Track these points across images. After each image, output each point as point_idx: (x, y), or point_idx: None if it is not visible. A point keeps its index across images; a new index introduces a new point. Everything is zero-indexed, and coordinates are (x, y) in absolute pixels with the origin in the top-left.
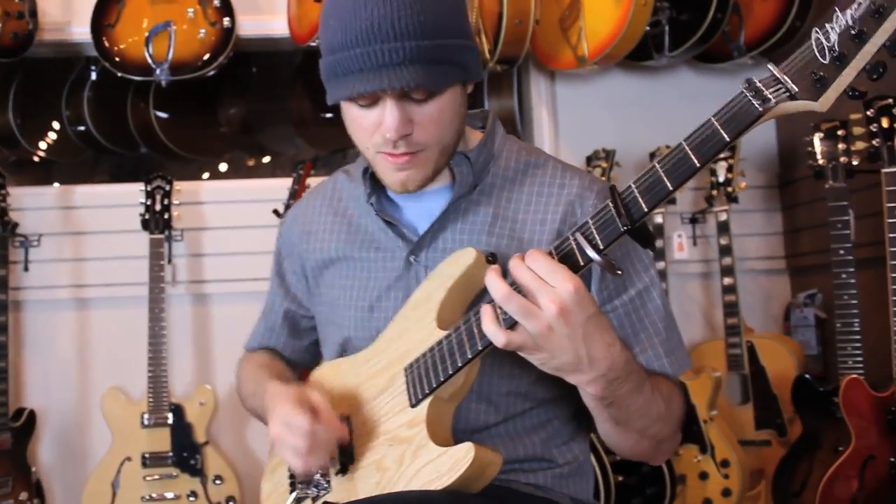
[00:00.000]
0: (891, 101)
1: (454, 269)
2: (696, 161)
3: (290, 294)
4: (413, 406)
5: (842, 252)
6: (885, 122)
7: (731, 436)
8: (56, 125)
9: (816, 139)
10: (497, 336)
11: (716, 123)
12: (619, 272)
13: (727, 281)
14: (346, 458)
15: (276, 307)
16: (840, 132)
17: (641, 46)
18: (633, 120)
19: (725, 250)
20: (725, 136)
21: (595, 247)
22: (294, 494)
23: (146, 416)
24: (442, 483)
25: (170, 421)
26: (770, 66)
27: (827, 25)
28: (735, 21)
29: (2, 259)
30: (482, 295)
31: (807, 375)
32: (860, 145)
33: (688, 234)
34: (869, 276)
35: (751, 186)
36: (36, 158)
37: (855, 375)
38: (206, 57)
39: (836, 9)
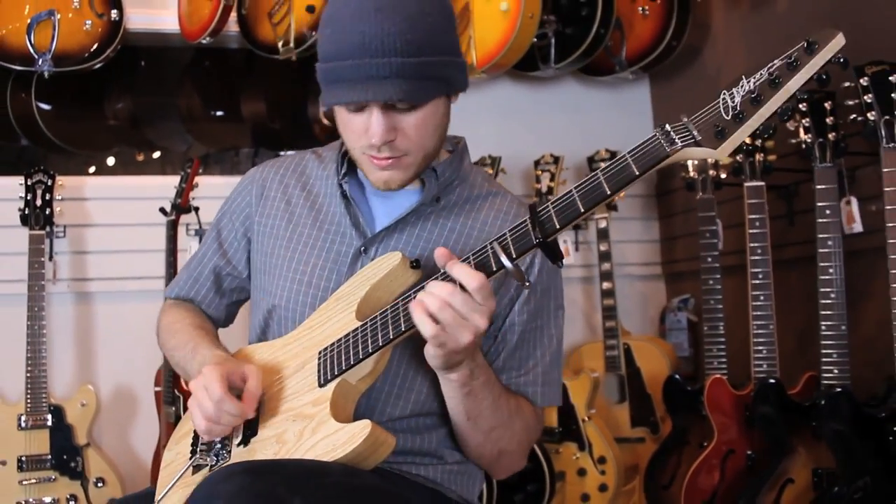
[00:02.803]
0: None
1: (378, 270)
2: (607, 189)
3: (223, 250)
4: (321, 386)
5: (709, 259)
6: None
7: (608, 433)
8: None
9: None
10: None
11: (629, 159)
12: (528, 284)
13: (606, 285)
14: (250, 431)
15: (206, 260)
16: None
17: (529, 57)
18: (520, 128)
19: (605, 256)
20: (636, 170)
21: (509, 255)
22: (192, 460)
23: (23, 418)
24: (335, 455)
25: (49, 423)
26: (683, 117)
27: (734, 89)
28: (617, 37)
29: None
30: (401, 297)
31: (676, 375)
32: (726, 160)
33: (571, 240)
34: (734, 283)
35: (630, 195)
36: None
37: (718, 375)
38: (93, 49)
39: (743, 76)
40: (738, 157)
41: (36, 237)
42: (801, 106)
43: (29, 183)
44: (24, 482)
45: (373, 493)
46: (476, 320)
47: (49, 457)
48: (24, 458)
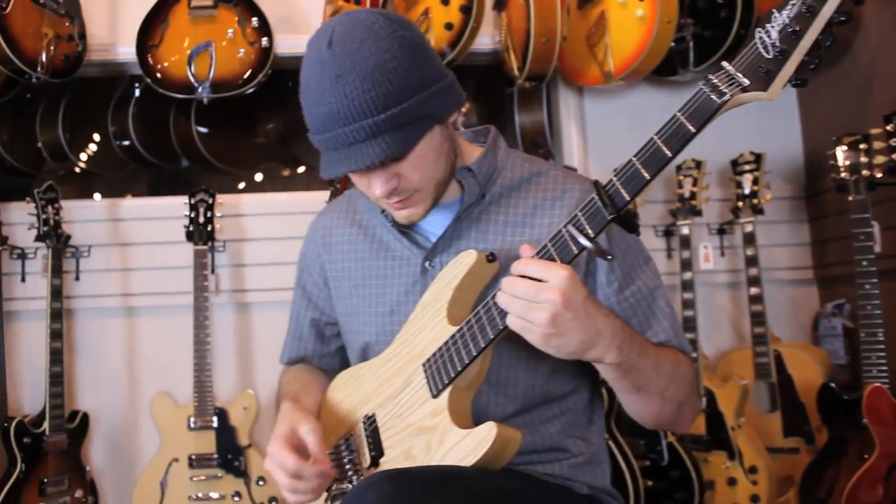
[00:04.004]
0: None
1: (457, 270)
2: (667, 152)
3: (313, 303)
4: (435, 396)
5: (865, 263)
6: None
7: (758, 443)
8: (101, 139)
9: (839, 152)
10: (512, 323)
11: (681, 118)
12: (610, 257)
13: (754, 291)
14: (376, 452)
15: (302, 317)
16: (862, 146)
17: (667, 62)
18: None
19: (751, 261)
20: (691, 127)
21: (586, 235)
22: (331, 491)
23: (192, 419)
24: (469, 461)
25: (214, 424)
26: (724, 64)
27: (767, 25)
28: None
29: (56, 269)
30: (487, 292)
31: (831, 384)
32: (881, 159)
33: (714, 245)
34: (893, 287)
35: (777, 198)
36: (78, 170)
37: (878, 384)
38: (246, 75)
39: (774, 10)
40: (893, 156)
41: (200, 252)
42: None
43: (193, 202)
44: (195, 478)
45: (509, 495)
46: (546, 297)
47: (215, 456)
48: (193, 457)
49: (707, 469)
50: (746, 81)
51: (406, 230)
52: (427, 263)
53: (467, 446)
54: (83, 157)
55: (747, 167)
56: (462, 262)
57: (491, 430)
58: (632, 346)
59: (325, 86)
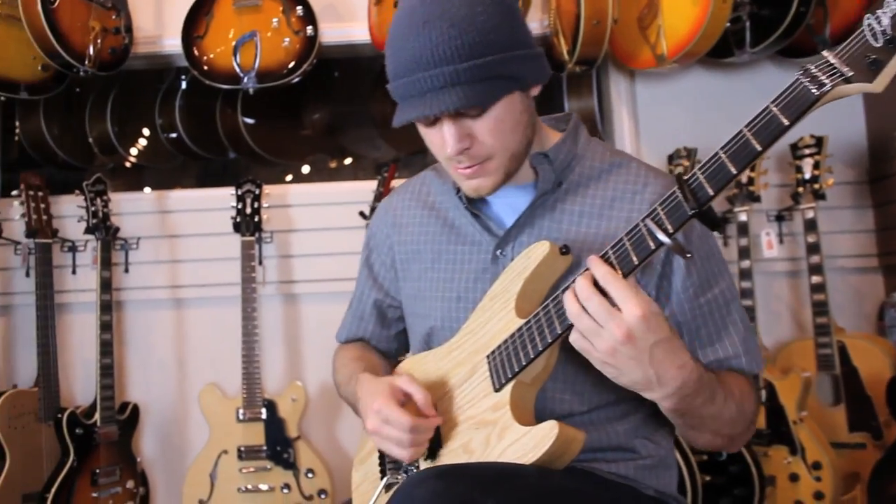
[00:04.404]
0: None
1: (529, 261)
2: (757, 146)
3: (378, 284)
4: (497, 390)
5: None
6: None
7: (822, 437)
8: (149, 132)
9: None
10: (573, 336)
11: (774, 109)
12: (689, 255)
13: (815, 279)
14: (435, 443)
15: (365, 297)
16: None
17: (722, 43)
18: (715, 118)
19: (813, 248)
20: (784, 120)
21: (665, 230)
22: (385, 480)
23: (241, 411)
24: (528, 460)
25: (263, 416)
26: (825, 53)
27: (878, 11)
28: (820, 14)
29: (105, 262)
30: (557, 285)
31: None
32: None
33: (774, 232)
34: None
35: (839, 182)
36: (128, 164)
37: None
38: (291, 64)
39: None
40: None
41: (247, 243)
42: None
43: (239, 193)
44: (244, 470)
45: (568, 495)
46: (611, 329)
47: (264, 448)
48: (242, 449)
49: (768, 464)
50: (850, 72)
51: (479, 215)
52: (498, 251)
53: (526, 444)
54: (132, 150)
55: (808, 151)
56: (534, 254)
57: (552, 429)
58: (696, 396)
59: (411, 31)
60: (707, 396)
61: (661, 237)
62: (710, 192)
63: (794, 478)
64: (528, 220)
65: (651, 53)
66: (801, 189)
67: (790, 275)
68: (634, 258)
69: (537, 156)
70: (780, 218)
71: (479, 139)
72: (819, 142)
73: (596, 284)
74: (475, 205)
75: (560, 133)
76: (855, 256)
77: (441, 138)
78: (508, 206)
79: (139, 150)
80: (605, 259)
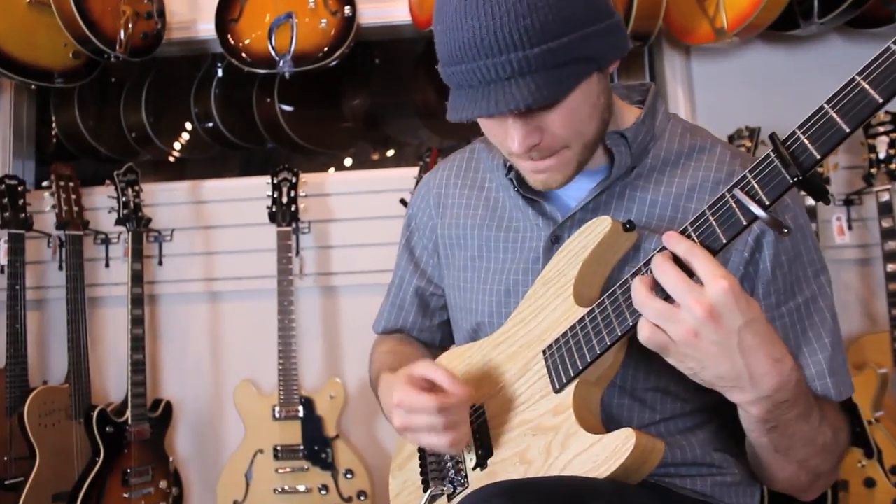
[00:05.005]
0: None
1: (587, 240)
2: (877, 97)
3: (420, 269)
4: (557, 391)
5: None
6: None
7: None
8: (186, 123)
9: None
10: (641, 328)
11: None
12: (787, 231)
13: (891, 267)
14: (485, 451)
15: (405, 284)
16: None
17: (786, 14)
18: (778, 95)
19: (889, 233)
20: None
21: (760, 203)
22: (429, 493)
23: (277, 409)
24: (600, 473)
25: (300, 414)
26: None
27: None
28: None
29: (137, 254)
30: (620, 268)
31: None
32: None
33: (845, 217)
34: None
35: None
36: (171, 158)
37: None
38: (328, 47)
39: None
40: None
41: (283, 234)
42: None
43: (275, 181)
44: (280, 470)
45: None
46: (690, 305)
47: (301, 447)
48: (279, 448)
49: (840, 468)
50: None
51: (534, 199)
52: (553, 239)
53: (598, 456)
54: (168, 141)
55: (882, 129)
56: (593, 231)
57: (629, 438)
58: (793, 406)
59: (468, 8)
60: (803, 409)
61: (756, 210)
62: (817, 155)
63: (869, 483)
64: (592, 207)
65: (709, 27)
66: (874, 170)
67: (860, 263)
68: (722, 236)
69: (613, 135)
70: (848, 202)
71: (550, 131)
72: (895, 118)
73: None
74: (530, 188)
75: (635, 107)
76: None
77: (504, 132)
78: (570, 189)
79: (176, 141)
80: (686, 235)
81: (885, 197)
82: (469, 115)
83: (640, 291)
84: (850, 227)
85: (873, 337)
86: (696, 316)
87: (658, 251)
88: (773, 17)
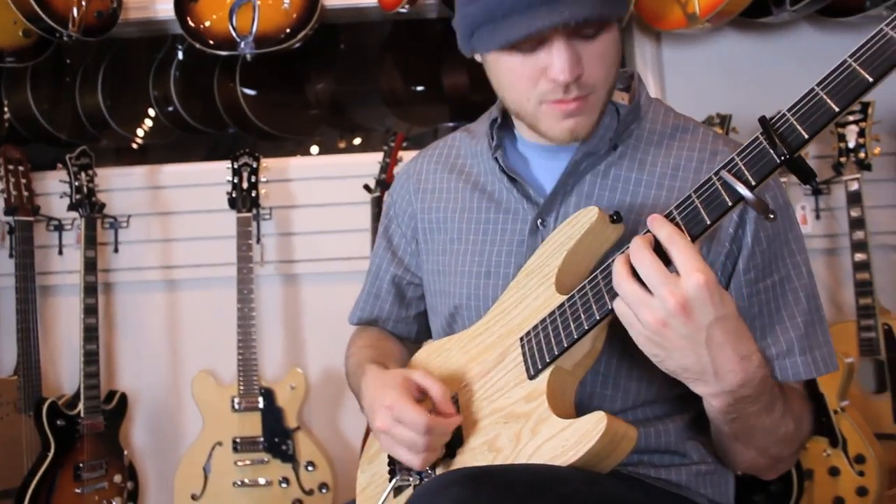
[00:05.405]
0: None
1: (573, 230)
2: (867, 76)
3: (398, 258)
4: (531, 378)
5: None
6: None
7: (866, 429)
8: (145, 107)
9: None
10: (615, 302)
11: (890, 32)
12: (773, 216)
13: (859, 257)
14: (455, 439)
15: (382, 272)
16: None
17: (758, 1)
18: (748, 83)
19: (857, 223)
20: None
21: (747, 183)
22: (393, 482)
23: (236, 400)
24: (567, 459)
25: (260, 405)
26: None
27: None
28: None
29: (90, 240)
30: (605, 259)
31: None
32: None
33: (811, 207)
34: None
35: (882, 154)
36: (133, 146)
37: None
38: (291, 28)
39: None
40: None
41: (243, 220)
42: None
43: (235, 166)
44: (239, 463)
45: None
46: (663, 295)
47: (261, 439)
48: (238, 440)
49: (805, 457)
50: None
51: (518, 180)
52: (539, 222)
53: (567, 441)
54: (128, 126)
55: (851, 118)
56: (579, 221)
57: (599, 421)
58: (756, 401)
59: None
60: (766, 404)
61: (742, 191)
62: (805, 135)
63: (834, 472)
64: (573, 185)
65: (681, 13)
66: (843, 159)
67: (827, 252)
68: (707, 218)
69: (608, 105)
70: (817, 191)
71: (590, 66)
72: (865, 107)
73: (655, 248)
74: (514, 169)
75: (619, 92)
76: None
77: (542, 66)
78: (554, 168)
79: (135, 126)
80: (670, 219)
81: (854, 186)
82: (531, 29)
83: (619, 270)
84: (818, 217)
85: (840, 326)
86: (667, 307)
87: (642, 234)
88: (745, 4)
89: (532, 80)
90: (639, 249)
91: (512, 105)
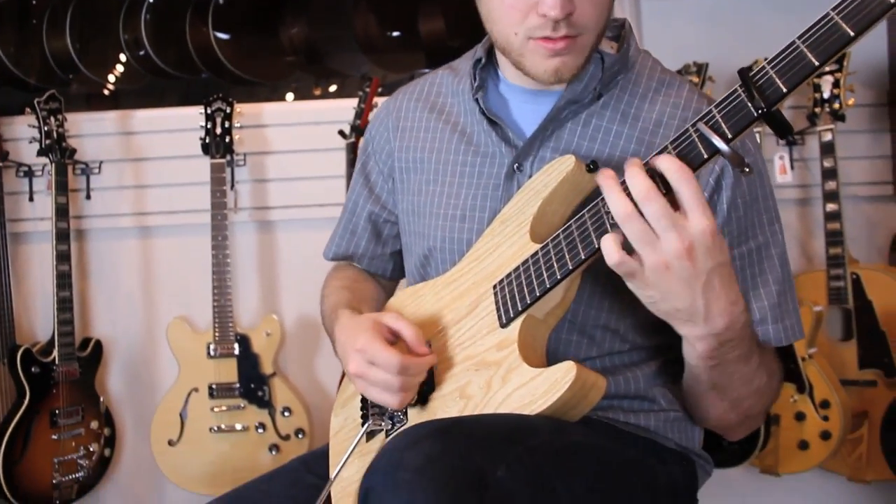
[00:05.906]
0: None
1: (549, 178)
2: (849, 30)
3: (375, 195)
4: (503, 326)
5: None
6: None
7: (832, 375)
8: (116, 51)
9: None
10: (611, 253)
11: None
12: (748, 170)
13: (831, 207)
14: (427, 386)
15: (359, 209)
16: None
17: None
18: (726, 31)
19: (829, 174)
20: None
21: (722, 136)
22: (366, 426)
23: (212, 346)
24: (537, 408)
25: (236, 352)
26: None
27: None
28: None
29: (61, 186)
30: (580, 209)
31: None
32: None
33: (788, 157)
34: None
35: (856, 105)
36: (105, 92)
37: None
38: None
39: None
40: None
41: (217, 166)
42: None
43: (209, 111)
44: (216, 409)
45: (588, 453)
46: (671, 238)
47: (237, 385)
48: (214, 386)
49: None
50: None
51: (497, 122)
52: (516, 166)
53: (536, 389)
54: (98, 70)
55: (828, 68)
56: (555, 169)
57: (569, 370)
58: (737, 346)
59: None
60: (745, 351)
61: (718, 143)
62: (784, 89)
63: (800, 417)
64: (553, 131)
65: None
66: (817, 110)
67: (800, 203)
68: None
69: (594, 53)
70: (791, 142)
71: (580, 6)
72: (841, 58)
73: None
74: (495, 111)
75: (608, 40)
76: (869, 184)
77: (528, 1)
78: (536, 112)
79: (106, 71)
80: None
81: (828, 137)
82: None
83: (622, 205)
84: (791, 167)
85: (810, 275)
86: (673, 250)
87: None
88: None
89: (522, 12)
90: (643, 186)
91: (499, 38)
